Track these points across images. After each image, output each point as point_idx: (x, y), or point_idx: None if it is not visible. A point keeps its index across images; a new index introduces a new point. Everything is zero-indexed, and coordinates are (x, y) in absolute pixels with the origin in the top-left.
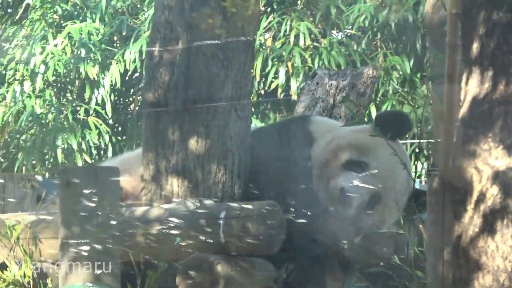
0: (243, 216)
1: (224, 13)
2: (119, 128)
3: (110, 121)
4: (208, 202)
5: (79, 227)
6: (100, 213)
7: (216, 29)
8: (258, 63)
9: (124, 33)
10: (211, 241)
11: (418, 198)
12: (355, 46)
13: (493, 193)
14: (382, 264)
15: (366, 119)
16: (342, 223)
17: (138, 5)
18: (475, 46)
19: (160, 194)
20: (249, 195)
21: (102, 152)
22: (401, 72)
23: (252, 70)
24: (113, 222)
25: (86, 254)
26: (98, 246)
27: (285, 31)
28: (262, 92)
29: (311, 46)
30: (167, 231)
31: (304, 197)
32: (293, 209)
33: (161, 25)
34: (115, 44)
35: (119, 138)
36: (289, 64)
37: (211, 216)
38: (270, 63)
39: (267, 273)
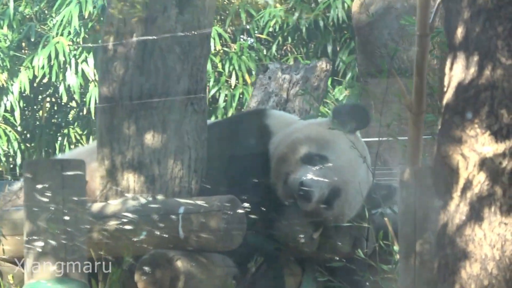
0: (202, 211)
1: (179, 6)
2: (28, 135)
3: (19, 128)
4: (160, 197)
5: (45, 222)
6: (65, 208)
7: (172, 22)
8: None
9: (32, 39)
10: (170, 236)
11: (377, 192)
12: (265, 51)
13: (480, 180)
14: (342, 258)
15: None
16: (301, 217)
17: (46, 11)
18: (460, 31)
19: (116, 189)
20: (206, 191)
21: (11, 159)
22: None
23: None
24: (80, 217)
25: (52, 249)
26: (64, 242)
27: None
28: None
29: (221, 51)
30: (124, 227)
31: (261, 192)
32: (250, 204)
33: (114, 19)
34: (23, 50)
35: (28, 145)
36: None
37: (170, 211)
38: None
39: (227, 269)
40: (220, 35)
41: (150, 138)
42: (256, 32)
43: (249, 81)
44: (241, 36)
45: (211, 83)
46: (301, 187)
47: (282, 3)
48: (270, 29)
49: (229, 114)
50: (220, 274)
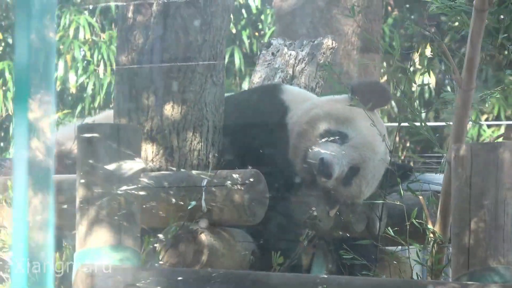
0: (226, 185)
1: None
2: None
3: None
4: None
5: (100, 187)
6: (123, 173)
7: None
8: None
9: None
10: (192, 209)
11: (397, 171)
12: None
13: None
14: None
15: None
16: (319, 194)
17: None
18: None
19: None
20: (223, 164)
21: None
22: None
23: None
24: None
25: (106, 216)
26: (117, 208)
27: (65, 24)
28: None
29: (90, 40)
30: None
31: (280, 167)
32: (270, 180)
33: None
34: None
35: None
36: (68, 57)
37: (193, 184)
38: None
39: (246, 244)
40: (89, 24)
41: (169, 109)
42: None
43: None
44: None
45: (79, 72)
46: (321, 164)
47: None
48: None
49: (97, 103)
50: (239, 249)
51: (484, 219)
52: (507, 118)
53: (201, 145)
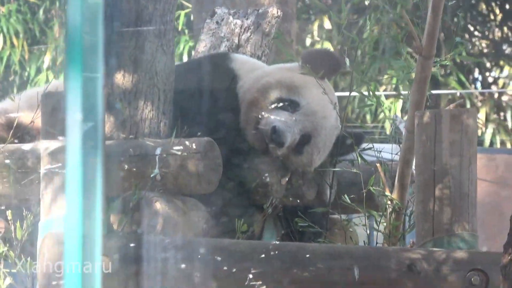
0: (180, 153)
1: None
2: None
3: None
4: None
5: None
6: None
7: None
8: None
9: None
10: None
11: (344, 140)
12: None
13: None
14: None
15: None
16: (270, 162)
17: None
18: None
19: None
20: (173, 133)
21: None
22: None
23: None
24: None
25: None
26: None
27: None
28: None
29: None
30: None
31: (232, 135)
32: (221, 148)
33: None
34: None
35: None
36: None
37: (147, 152)
38: None
39: (200, 213)
40: None
41: (120, 78)
42: None
43: (16, 43)
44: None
45: None
46: (273, 132)
47: None
48: None
49: None
50: (193, 218)
51: (448, 185)
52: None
53: (153, 114)
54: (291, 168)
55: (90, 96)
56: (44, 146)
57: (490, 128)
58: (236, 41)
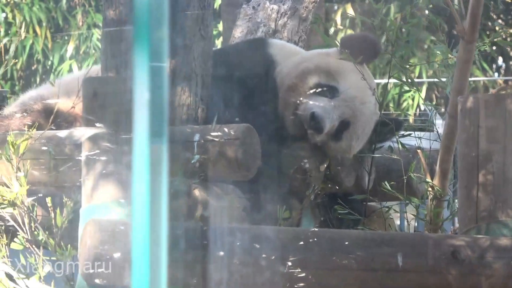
0: (219, 139)
1: None
2: None
3: None
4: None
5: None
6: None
7: None
8: None
9: None
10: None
11: (383, 126)
12: (52, 3)
13: None
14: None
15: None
16: (309, 149)
17: None
18: None
19: None
20: (211, 119)
21: None
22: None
23: None
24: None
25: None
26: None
27: None
28: None
29: (12, 2)
30: None
31: (270, 121)
32: (260, 134)
33: None
34: None
35: None
36: None
37: (186, 138)
38: None
39: (238, 199)
40: None
41: None
42: None
43: (39, 32)
44: None
45: (1, 34)
46: (312, 118)
47: None
48: None
49: (19, 65)
50: (232, 205)
51: (492, 171)
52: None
53: (190, 100)
54: (330, 155)
55: (156, 85)
56: (84, 132)
57: None
58: (273, 26)
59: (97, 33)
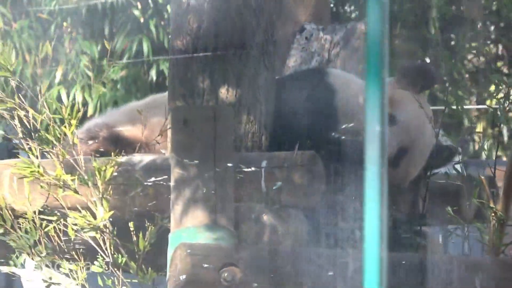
0: (286, 165)
1: None
2: None
3: None
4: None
5: (196, 169)
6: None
7: None
8: None
9: None
10: (252, 190)
11: (442, 152)
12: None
13: None
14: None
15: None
16: None
17: None
18: None
19: None
20: (274, 146)
21: None
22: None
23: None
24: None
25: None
26: (212, 190)
27: None
28: None
29: (2, 29)
30: None
31: (333, 149)
32: (324, 160)
33: None
34: None
35: None
36: None
37: (252, 165)
38: None
39: (301, 224)
40: (1, 13)
41: (224, 92)
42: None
43: (28, 59)
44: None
45: None
46: None
47: None
48: (52, 9)
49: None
50: (295, 229)
51: None
52: None
53: (255, 128)
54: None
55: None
56: (175, 159)
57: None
58: (326, 56)
59: (84, 60)
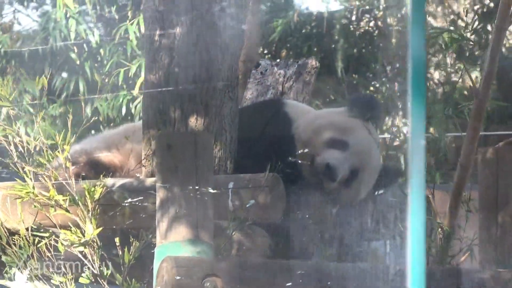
0: (250, 186)
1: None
2: None
3: None
4: None
5: (179, 189)
6: (198, 179)
7: (215, 18)
8: None
9: None
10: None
11: (385, 175)
12: None
13: None
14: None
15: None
16: (325, 195)
17: None
18: None
19: None
20: (237, 169)
21: None
22: None
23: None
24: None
25: (184, 213)
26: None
27: None
28: None
29: None
30: None
31: (290, 172)
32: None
33: (155, 13)
34: None
35: None
36: None
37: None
38: None
39: (264, 240)
40: None
41: (193, 121)
42: None
43: None
44: None
45: None
46: (327, 168)
47: None
48: None
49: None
50: (259, 245)
51: (510, 214)
52: None
53: (221, 153)
54: (341, 200)
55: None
56: (156, 181)
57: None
58: (280, 89)
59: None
